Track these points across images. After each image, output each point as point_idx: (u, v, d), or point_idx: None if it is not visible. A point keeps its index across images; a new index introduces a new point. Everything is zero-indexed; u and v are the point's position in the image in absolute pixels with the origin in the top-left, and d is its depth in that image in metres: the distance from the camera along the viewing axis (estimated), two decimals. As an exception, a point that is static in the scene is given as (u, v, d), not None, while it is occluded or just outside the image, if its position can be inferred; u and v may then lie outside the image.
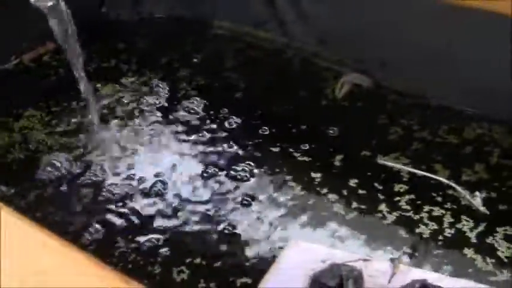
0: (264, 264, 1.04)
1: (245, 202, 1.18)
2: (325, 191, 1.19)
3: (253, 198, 1.19)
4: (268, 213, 1.16)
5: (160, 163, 1.28)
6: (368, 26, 1.36)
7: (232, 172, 1.24)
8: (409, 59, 1.32)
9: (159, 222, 1.15)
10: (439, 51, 1.29)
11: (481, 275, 1.02)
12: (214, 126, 1.36)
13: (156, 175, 1.25)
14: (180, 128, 1.36)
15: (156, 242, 1.11)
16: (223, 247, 1.10)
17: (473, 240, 1.08)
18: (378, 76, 1.41)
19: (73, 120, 1.40)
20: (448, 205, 1.14)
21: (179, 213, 1.17)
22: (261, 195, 1.19)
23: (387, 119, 1.34)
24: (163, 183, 1.23)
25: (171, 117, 1.40)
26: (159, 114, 1.41)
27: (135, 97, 1.46)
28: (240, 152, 1.29)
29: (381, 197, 1.17)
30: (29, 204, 1.19)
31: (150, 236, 1.13)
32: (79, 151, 1.31)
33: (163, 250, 1.10)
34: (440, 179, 1.18)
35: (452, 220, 1.11)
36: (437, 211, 1.13)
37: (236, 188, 1.21)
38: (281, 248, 1.07)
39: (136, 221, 1.16)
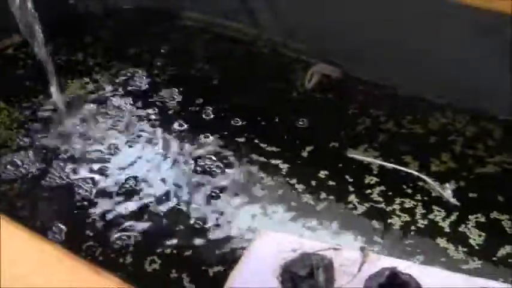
0: (234, 255, 1.04)
1: (213, 194, 1.18)
2: (294, 181, 1.20)
3: (222, 190, 1.19)
4: (238, 205, 1.16)
5: (130, 156, 1.27)
6: (337, 17, 1.36)
7: (202, 163, 1.24)
8: (377, 49, 1.33)
9: (128, 216, 1.15)
10: (406, 41, 1.29)
11: (453, 263, 1.04)
12: (185, 117, 1.35)
13: (126, 168, 1.24)
14: (151, 119, 1.36)
15: (126, 235, 1.11)
16: (194, 239, 1.10)
17: (447, 229, 1.10)
18: (347, 67, 1.41)
19: (40, 114, 1.38)
20: (419, 196, 1.15)
21: (149, 205, 1.17)
22: (230, 186, 1.19)
23: (356, 110, 1.35)
24: (134, 175, 1.22)
25: (140, 108, 1.39)
26: (128, 106, 1.40)
27: (103, 90, 1.44)
28: (210, 143, 1.29)
29: (351, 188, 1.18)
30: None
31: (119, 228, 1.12)
32: (46, 145, 1.30)
33: (133, 242, 1.10)
34: (411, 171, 1.19)
35: (424, 211, 1.12)
36: (408, 203, 1.14)
37: (206, 179, 1.21)
38: (251, 238, 1.07)
39: (105, 214, 1.15)
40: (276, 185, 1.20)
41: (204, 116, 1.35)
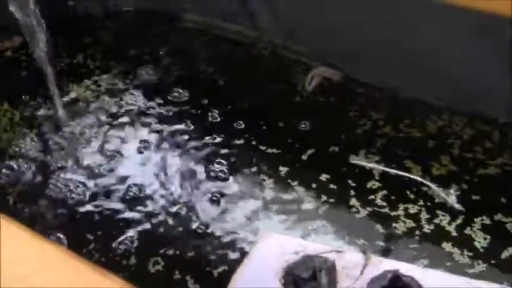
0: (237, 258, 1.04)
1: (215, 197, 1.18)
2: (296, 184, 1.20)
3: (224, 192, 1.19)
4: (240, 207, 1.16)
5: (132, 160, 1.27)
6: (337, 19, 1.36)
7: (205, 167, 1.24)
8: (378, 51, 1.33)
9: (131, 217, 1.15)
10: (406, 43, 1.29)
11: (458, 267, 1.04)
12: (186, 119, 1.35)
13: (128, 171, 1.24)
14: (153, 123, 1.35)
15: (129, 238, 1.11)
16: (197, 242, 1.10)
17: (453, 233, 1.09)
18: (347, 69, 1.41)
19: (40, 116, 1.37)
20: (423, 202, 1.15)
21: (151, 207, 1.17)
22: (233, 189, 1.19)
23: (357, 113, 1.35)
24: (136, 179, 1.22)
25: (141, 111, 1.39)
26: (129, 107, 1.39)
27: (104, 92, 1.44)
28: (212, 146, 1.29)
29: (353, 192, 1.17)
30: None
31: (124, 230, 1.12)
32: (46, 148, 1.29)
33: (137, 245, 1.10)
34: (415, 177, 1.18)
35: (428, 216, 1.12)
36: (412, 208, 1.14)
37: (208, 182, 1.21)
38: (254, 241, 1.07)
39: (107, 216, 1.15)
40: (278, 188, 1.19)
41: (205, 118, 1.35)
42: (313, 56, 1.46)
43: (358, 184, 1.19)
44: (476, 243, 1.07)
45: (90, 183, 1.22)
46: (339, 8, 1.35)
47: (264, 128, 1.33)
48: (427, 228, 1.10)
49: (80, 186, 1.21)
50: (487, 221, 1.11)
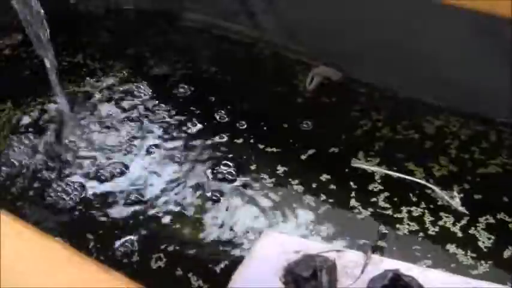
0: (238, 256, 1.04)
1: (215, 197, 1.18)
2: (297, 184, 1.20)
3: (225, 192, 1.19)
4: (241, 206, 1.16)
5: (133, 161, 1.27)
6: (338, 19, 1.36)
7: (205, 166, 1.24)
8: (379, 51, 1.33)
9: (132, 216, 1.15)
10: (405, 43, 1.29)
11: (462, 268, 1.04)
12: (188, 120, 1.35)
13: (128, 171, 1.24)
14: (155, 123, 1.35)
15: (131, 238, 1.11)
16: (198, 241, 1.11)
17: (458, 235, 1.09)
18: (348, 69, 1.41)
19: (41, 115, 1.37)
20: (425, 204, 1.14)
21: (152, 206, 1.17)
22: (233, 188, 1.20)
23: (357, 113, 1.35)
24: (137, 178, 1.23)
25: (140, 110, 1.39)
26: (129, 108, 1.39)
27: (104, 92, 1.44)
28: (213, 146, 1.29)
29: (354, 193, 1.17)
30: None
31: (123, 232, 1.12)
32: (49, 147, 1.29)
33: (138, 242, 1.10)
34: (418, 180, 1.18)
35: (433, 218, 1.12)
36: (415, 211, 1.13)
37: (209, 182, 1.21)
38: (255, 239, 1.08)
39: (109, 216, 1.16)
40: (278, 188, 1.20)
41: (207, 118, 1.35)
42: (313, 56, 1.46)
43: (360, 186, 1.19)
44: (480, 243, 1.07)
45: (91, 184, 1.22)
46: (340, 9, 1.35)
47: (265, 126, 1.33)
48: (431, 230, 1.10)
49: (81, 185, 1.21)
50: (491, 220, 1.11)
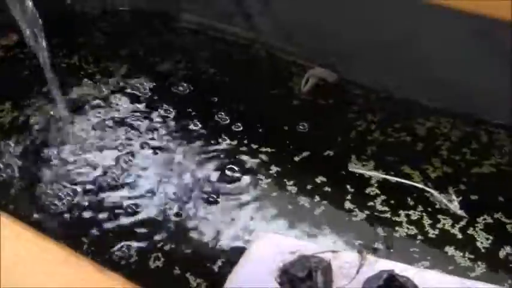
0: (233, 257, 1.04)
1: (212, 198, 1.19)
2: (292, 185, 1.20)
3: (221, 193, 1.19)
4: (237, 208, 1.17)
5: (133, 162, 1.27)
6: (334, 20, 1.37)
7: (202, 167, 1.24)
8: (375, 53, 1.34)
9: (128, 218, 1.15)
10: (403, 45, 1.30)
11: (459, 270, 1.04)
12: (186, 121, 1.35)
13: (129, 172, 1.24)
14: (151, 126, 1.35)
15: (126, 246, 1.11)
16: (194, 242, 1.11)
17: (458, 236, 1.09)
18: (343, 70, 1.42)
19: (38, 117, 1.37)
20: (424, 207, 1.14)
21: (149, 206, 1.17)
22: (230, 190, 1.20)
23: (354, 115, 1.35)
24: (133, 178, 1.23)
25: (140, 111, 1.39)
26: (129, 108, 1.39)
27: (103, 93, 1.44)
28: (209, 148, 1.29)
29: (351, 196, 1.17)
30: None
31: (121, 235, 1.13)
32: (44, 148, 1.30)
33: (136, 242, 1.11)
34: (416, 184, 1.18)
35: (431, 222, 1.12)
36: (413, 214, 1.13)
37: (206, 184, 1.21)
38: (250, 240, 1.08)
39: (108, 215, 1.16)
40: (274, 188, 1.20)
41: (205, 120, 1.35)
42: (309, 58, 1.46)
43: (356, 189, 1.19)
44: (478, 244, 1.08)
45: (92, 183, 1.22)
46: (335, 10, 1.35)
47: (261, 128, 1.33)
48: (431, 233, 1.10)
49: (80, 186, 1.21)
50: (489, 220, 1.11)
